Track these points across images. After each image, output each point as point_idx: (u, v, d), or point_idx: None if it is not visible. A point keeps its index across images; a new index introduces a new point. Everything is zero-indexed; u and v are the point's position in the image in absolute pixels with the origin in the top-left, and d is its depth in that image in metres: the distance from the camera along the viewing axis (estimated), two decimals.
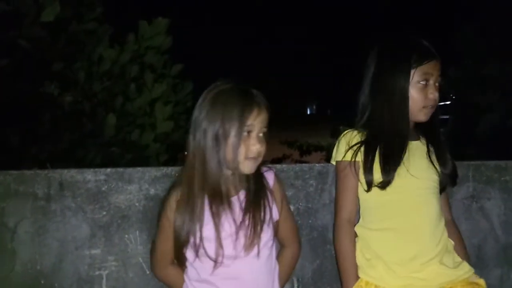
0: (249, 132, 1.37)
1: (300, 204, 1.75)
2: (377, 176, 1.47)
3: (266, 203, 1.43)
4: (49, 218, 1.67)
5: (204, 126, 1.38)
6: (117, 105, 3.36)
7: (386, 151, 1.48)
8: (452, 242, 1.55)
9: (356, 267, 1.52)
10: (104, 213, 1.69)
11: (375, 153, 1.49)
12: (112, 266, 1.68)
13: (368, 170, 1.48)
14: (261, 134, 1.39)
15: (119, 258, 1.68)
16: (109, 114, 3.25)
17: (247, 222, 1.38)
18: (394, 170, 1.46)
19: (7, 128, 3.14)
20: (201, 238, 1.37)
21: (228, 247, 1.38)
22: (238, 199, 1.42)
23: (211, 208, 1.38)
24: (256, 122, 1.37)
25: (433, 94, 1.51)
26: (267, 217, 1.42)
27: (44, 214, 1.67)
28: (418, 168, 1.50)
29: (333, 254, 1.75)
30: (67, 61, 3.35)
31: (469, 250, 1.82)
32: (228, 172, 1.41)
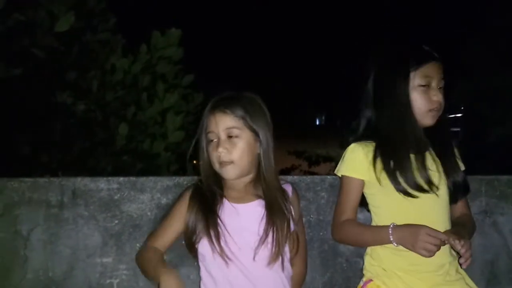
0: (214, 139, 1.41)
1: (311, 216, 1.75)
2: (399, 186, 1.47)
3: (289, 215, 1.43)
4: (62, 225, 1.68)
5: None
6: (129, 114, 3.39)
7: (396, 161, 1.47)
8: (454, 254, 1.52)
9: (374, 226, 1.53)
10: (116, 221, 1.69)
11: (388, 167, 1.48)
12: (123, 275, 1.68)
13: (393, 180, 1.47)
14: (232, 136, 1.40)
15: (130, 267, 1.68)
16: (121, 123, 3.28)
17: (270, 233, 1.38)
18: (405, 177, 1.45)
19: (19, 137, 3.17)
20: (217, 236, 1.38)
21: (245, 254, 1.38)
22: (253, 207, 1.42)
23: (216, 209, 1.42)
24: (217, 128, 1.40)
25: (437, 96, 1.49)
26: (290, 228, 1.43)
27: (56, 222, 1.68)
28: (426, 179, 1.48)
29: (344, 267, 1.74)
30: (80, 71, 3.40)
31: (482, 266, 1.80)
32: (247, 179, 1.45)
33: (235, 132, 1.40)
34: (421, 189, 1.45)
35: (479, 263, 1.81)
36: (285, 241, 1.40)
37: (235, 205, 1.42)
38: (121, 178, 1.72)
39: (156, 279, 1.33)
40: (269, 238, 1.38)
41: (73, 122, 3.33)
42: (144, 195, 1.71)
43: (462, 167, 1.58)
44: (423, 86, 1.48)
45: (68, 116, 3.33)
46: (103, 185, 1.70)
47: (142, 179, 1.72)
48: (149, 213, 1.70)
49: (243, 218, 1.41)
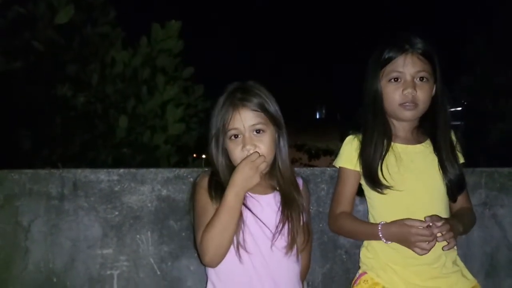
0: (236, 135, 1.39)
1: (311, 208, 1.75)
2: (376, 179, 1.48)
3: (301, 207, 1.44)
4: (62, 217, 1.69)
5: (210, 128, 1.44)
6: (129, 107, 3.39)
7: (366, 156, 1.50)
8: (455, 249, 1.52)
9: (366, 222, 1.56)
10: (117, 213, 1.70)
11: (367, 158, 1.50)
12: (123, 266, 1.69)
13: (367, 176, 1.50)
14: (255, 133, 1.39)
15: (131, 258, 1.69)
16: (121, 115, 3.28)
17: (286, 223, 1.40)
18: (377, 172, 1.47)
19: (20, 130, 3.18)
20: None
21: (263, 243, 1.38)
22: (271, 198, 1.43)
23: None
24: (242, 124, 1.37)
25: (407, 90, 1.46)
26: (303, 219, 1.44)
27: (57, 214, 1.69)
28: (418, 173, 1.49)
29: (344, 259, 1.75)
30: (80, 63, 3.40)
31: (482, 259, 1.81)
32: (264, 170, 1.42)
33: (260, 126, 1.39)
34: (385, 186, 1.47)
35: (479, 255, 1.81)
36: (298, 231, 1.41)
37: (256, 196, 1.42)
38: (122, 170, 1.72)
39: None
40: (285, 229, 1.40)
41: (73, 115, 3.34)
42: (145, 186, 1.71)
43: (462, 160, 1.58)
44: (393, 80, 1.48)
45: (68, 109, 3.33)
46: (104, 176, 1.71)
47: (143, 171, 1.73)
48: (149, 205, 1.71)
49: (264, 208, 1.42)
